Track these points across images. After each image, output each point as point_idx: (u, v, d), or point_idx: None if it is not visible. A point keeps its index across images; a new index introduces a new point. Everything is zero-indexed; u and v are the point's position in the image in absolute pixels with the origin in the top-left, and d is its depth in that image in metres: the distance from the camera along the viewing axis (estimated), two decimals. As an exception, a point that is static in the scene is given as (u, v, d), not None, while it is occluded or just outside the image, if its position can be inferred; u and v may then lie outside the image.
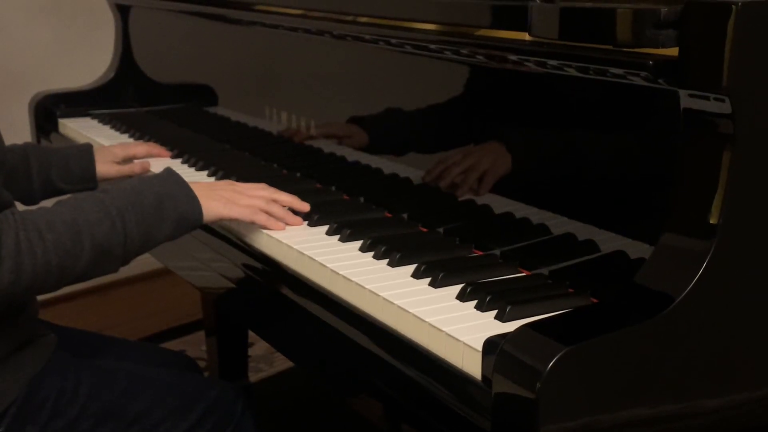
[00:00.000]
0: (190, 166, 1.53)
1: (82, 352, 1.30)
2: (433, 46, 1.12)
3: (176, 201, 1.12)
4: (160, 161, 1.56)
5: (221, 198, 1.16)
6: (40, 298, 1.23)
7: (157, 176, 1.15)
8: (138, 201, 1.08)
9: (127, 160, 1.55)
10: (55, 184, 1.47)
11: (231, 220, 1.18)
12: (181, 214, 1.12)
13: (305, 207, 1.21)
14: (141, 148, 1.58)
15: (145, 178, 1.15)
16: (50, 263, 1.01)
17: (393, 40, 1.17)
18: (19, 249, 0.98)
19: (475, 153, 1.12)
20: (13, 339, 1.11)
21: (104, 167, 1.50)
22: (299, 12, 1.37)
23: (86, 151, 1.50)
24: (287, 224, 1.19)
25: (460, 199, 1.13)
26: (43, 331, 1.18)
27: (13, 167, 1.45)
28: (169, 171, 1.17)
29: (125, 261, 1.10)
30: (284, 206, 1.21)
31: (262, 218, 1.18)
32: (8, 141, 1.50)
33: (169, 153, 1.61)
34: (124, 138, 1.76)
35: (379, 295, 0.96)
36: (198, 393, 1.23)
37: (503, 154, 1.08)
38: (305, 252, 1.09)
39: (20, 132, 1.57)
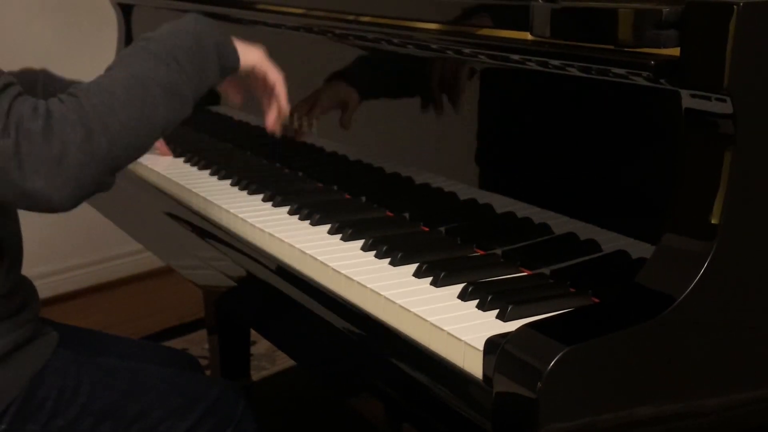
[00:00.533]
0: (192, 165, 1.54)
1: (83, 350, 1.30)
2: (434, 46, 1.12)
3: (213, 37, 1.12)
4: (165, 159, 1.56)
5: (255, 49, 1.18)
6: (42, 296, 1.24)
7: (186, 19, 1.14)
8: (180, 43, 1.08)
9: None
10: None
11: (262, 72, 1.19)
12: (221, 50, 1.12)
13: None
14: None
15: (175, 22, 1.14)
16: (132, 115, 1.00)
17: (395, 40, 1.18)
18: (98, 112, 0.98)
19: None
20: (15, 337, 1.11)
21: None
22: (301, 11, 1.38)
23: None
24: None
25: (461, 199, 1.14)
26: (45, 329, 1.18)
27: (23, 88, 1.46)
28: (196, 15, 1.16)
29: (195, 99, 1.10)
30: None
31: (282, 90, 1.21)
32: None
33: (170, 151, 1.61)
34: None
35: (380, 294, 0.96)
36: (199, 392, 1.23)
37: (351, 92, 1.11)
38: (307, 251, 1.09)
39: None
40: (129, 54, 1.07)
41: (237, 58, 1.14)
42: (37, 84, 1.47)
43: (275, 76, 1.19)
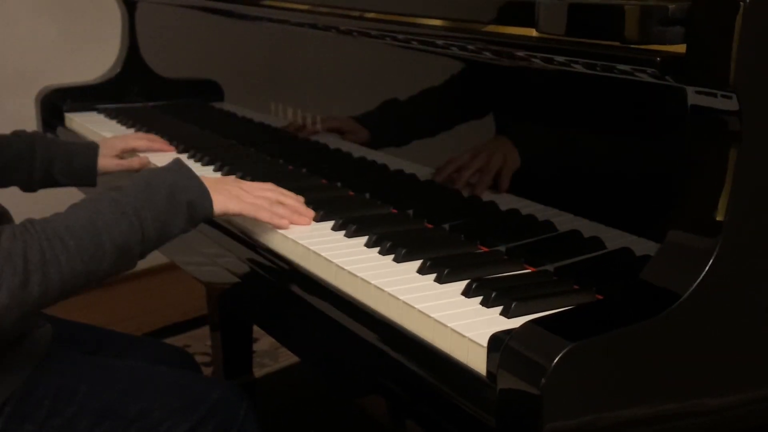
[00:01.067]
0: (197, 161, 1.54)
1: (83, 346, 1.29)
2: (439, 42, 1.12)
3: (188, 193, 1.11)
4: (166, 155, 1.56)
5: (228, 192, 1.16)
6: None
7: (168, 168, 1.15)
8: (152, 197, 1.08)
9: (127, 152, 1.56)
10: (55, 177, 1.49)
11: (236, 215, 1.18)
12: (193, 207, 1.12)
13: (310, 214, 1.20)
14: (141, 141, 1.59)
15: (155, 172, 1.14)
16: (75, 269, 1.01)
17: (399, 36, 1.17)
18: (44, 260, 0.98)
19: (484, 153, 1.12)
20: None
21: (104, 161, 1.51)
22: (306, 7, 1.37)
23: (92, 150, 1.51)
24: (291, 222, 1.18)
25: (467, 195, 1.13)
26: (38, 322, 1.17)
27: (18, 153, 1.46)
28: (178, 162, 1.17)
29: (142, 257, 1.10)
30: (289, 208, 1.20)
31: (265, 215, 1.17)
32: (16, 135, 1.52)
33: (171, 146, 1.61)
34: (130, 133, 1.77)
35: (384, 291, 0.96)
36: (200, 393, 1.22)
37: (511, 151, 1.08)
38: (311, 247, 1.09)
39: (27, 126, 1.59)
40: (99, 200, 1.07)
41: (210, 210, 1.14)
42: (35, 147, 1.47)
43: (251, 214, 1.17)
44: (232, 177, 1.31)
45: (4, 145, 1.47)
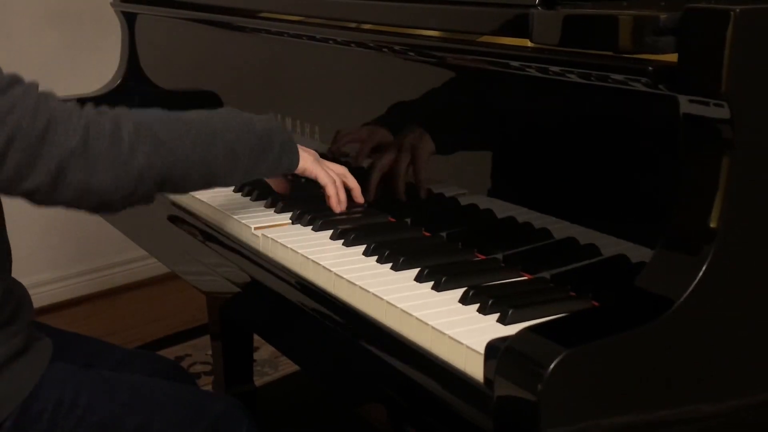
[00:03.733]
0: (196, 171, 1.54)
1: (80, 359, 1.28)
2: (435, 53, 1.13)
3: (282, 139, 1.19)
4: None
5: (313, 157, 1.24)
6: (47, 302, 1.24)
7: (264, 117, 1.21)
8: (257, 127, 1.17)
9: None
10: None
11: (313, 177, 1.24)
12: (284, 151, 1.19)
13: (361, 200, 1.28)
14: None
15: (255, 116, 1.20)
16: (195, 153, 1.09)
17: (396, 47, 1.19)
18: (173, 135, 1.07)
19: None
20: (5, 350, 1.09)
21: None
22: (303, 19, 1.38)
23: None
24: (342, 209, 1.25)
25: (462, 204, 1.14)
26: (38, 336, 1.16)
27: None
28: (270, 117, 1.24)
29: (243, 174, 1.17)
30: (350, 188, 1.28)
31: (332, 190, 1.24)
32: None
33: None
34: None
35: (382, 299, 0.97)
36: (201, 407, 1.22)
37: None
38: (309, 256, 1.10)
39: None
40: (217, 112, 1.18)
41: (295, 164, 1.22)
42: None
43: (324, 180, 1.24)
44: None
45: None
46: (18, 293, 1.17)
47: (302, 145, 1.23)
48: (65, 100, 1.06)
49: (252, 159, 1.15)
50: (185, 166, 1.09)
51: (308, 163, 1.23)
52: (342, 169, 1.28)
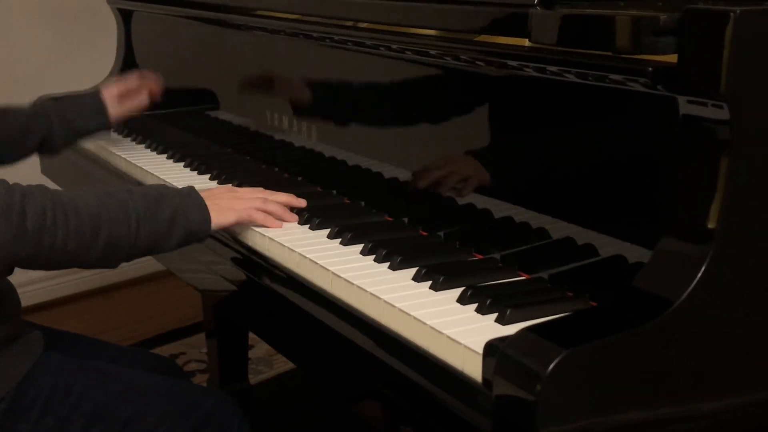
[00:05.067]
0: (192, 169, 1.54)
1: (74, 353, 1.29)
2: (433, 52, 1.13)
3: (190, 221, 1.14)
4: (172, 170, 1.57)
5: (219, 207, 1.18)
6: (39, 300, 1.23)
7: (181, 192, 1.17)
8: (156, 213, 1.11)
9: (125, 94, 1.63)
10: (77, 128, 1.56)
11: (232, 225, 1.19)
12: (190, 233, 1.15)
13: (302, 203, 1.25)
14: (132, 79, 1.67)
15: (170, 191, 1.16)
16: (66, 247, 1.04)
17: (393, 46, 1.18)
18: (43, 224, 1.02)
19: (455, 160, 1.14)
20: None
21: (113, 110, 1.60)
22: (300, 17, 1.38)
23: (95, 94, 1.61)
24: (284, 221, 1.21)
25: (459, 203, 1.14)
26: (28, 329, 1.18)
27: (33, 115, 1.51)
28: (192, 189, 1.19)
29: (126, 260, 1.13)
30: (281, 204, 1.23)
31: (259, 217, 1.20)
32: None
33: (159, 79, 1.68)
34: (127, 141, 1.77)
35: (380, 298, 0.97)
36: (194, 401, 1.22)
37: (480, 162, 1.11)
38: (307, 255, 1.10)
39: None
40: (112, 195, 1.11)
41: (205, 237, 1.18)
42: (46, 107, 1.53)
43: (245, 217, 1.20)
44: (228, 186, 1.33)
45: (12, 112, 1.51)
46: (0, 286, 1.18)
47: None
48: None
49: (145, 247, 1.11)
50: (58, 258, 1.06)
51: (220, 219, 1.17)
52: (261, 192, 1.24)
